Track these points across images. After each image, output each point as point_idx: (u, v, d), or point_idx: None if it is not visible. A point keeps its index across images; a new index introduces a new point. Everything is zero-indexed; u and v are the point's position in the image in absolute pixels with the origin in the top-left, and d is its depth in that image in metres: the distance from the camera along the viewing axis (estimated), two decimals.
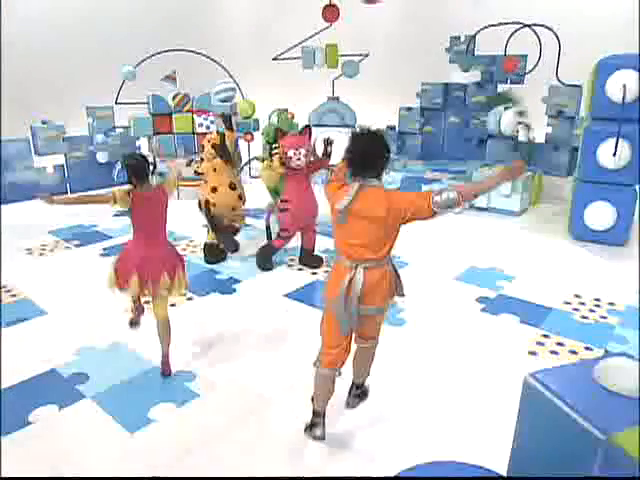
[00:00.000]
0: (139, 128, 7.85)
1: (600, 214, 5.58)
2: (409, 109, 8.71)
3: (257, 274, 4.86)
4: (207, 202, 4.93)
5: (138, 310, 3.44)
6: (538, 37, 6.89)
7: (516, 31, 6.98)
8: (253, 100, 8.40)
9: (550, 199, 7.60)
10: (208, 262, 5.03)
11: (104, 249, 5.47)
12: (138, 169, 2.93)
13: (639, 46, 6.46)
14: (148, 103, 7.88)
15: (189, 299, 4.32)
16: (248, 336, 3.77)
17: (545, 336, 3.79)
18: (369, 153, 2.40)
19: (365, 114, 8.77)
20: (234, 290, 4.51)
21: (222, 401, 3.03)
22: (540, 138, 7.64)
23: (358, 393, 2.91)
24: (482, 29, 7.29)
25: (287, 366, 3.38)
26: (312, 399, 2.69)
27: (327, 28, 8.32)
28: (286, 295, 4.39)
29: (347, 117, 8.75)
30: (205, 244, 5.12)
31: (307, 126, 4.83)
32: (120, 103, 7.75)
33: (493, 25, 7.02)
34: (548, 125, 7.46)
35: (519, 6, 7.53)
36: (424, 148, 8.77)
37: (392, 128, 8.93)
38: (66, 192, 7.87)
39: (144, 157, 3.03)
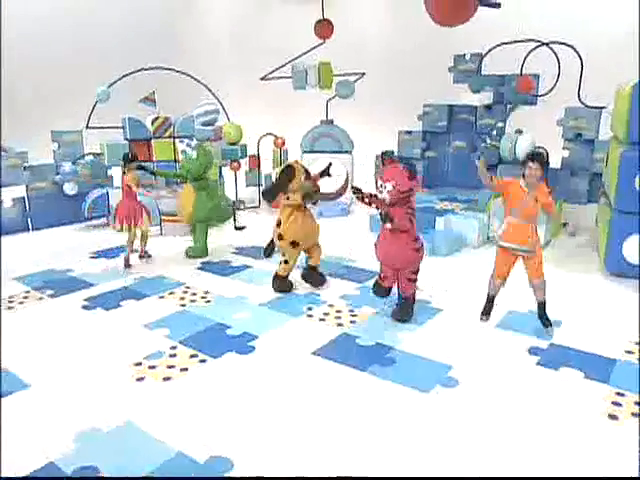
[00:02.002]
0: (113, 155, 7.42)
1: None
2: (409, 133, 8.56)
3: (271, 327, 4.49)
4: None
5: (127, 259, 5.90)
6: (556, 56, 6.85)
7: (534, 49, 6.93)
8: (239, 124, 8.13)
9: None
10: (285, 291, 5.26)
11: (86, 300, 5.00)
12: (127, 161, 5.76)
13: (639, 58, 6.50)
14: (124, 127, 7.50)
15: (202, 361, 3.91)
16: (279, 407, 3.39)
17: (619, 394, 3.55)
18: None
19: (361, 138, 8.61)
20: (252, 348, 4.12)
21: None
22: (555, 163, 7.56)
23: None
24: (494, 47, 7.21)
25: (332, 444, 3.02)
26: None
27: (320, 45, 8.20)
28: (314, 353, 4.04)
29: (343, 142, 8.55)
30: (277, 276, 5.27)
31: (411, 167, 4.24)
32: (92, 127, 7.34)
33: (506, 43, 6.97)
34: (564, 149, 7.39)
35: (524, 22, 7.52)
36: (427, 175, 8.60)
37: (390, 154, 8.75)
38: (27, 229, 7.37)
39: (136, 157, 5.85)
